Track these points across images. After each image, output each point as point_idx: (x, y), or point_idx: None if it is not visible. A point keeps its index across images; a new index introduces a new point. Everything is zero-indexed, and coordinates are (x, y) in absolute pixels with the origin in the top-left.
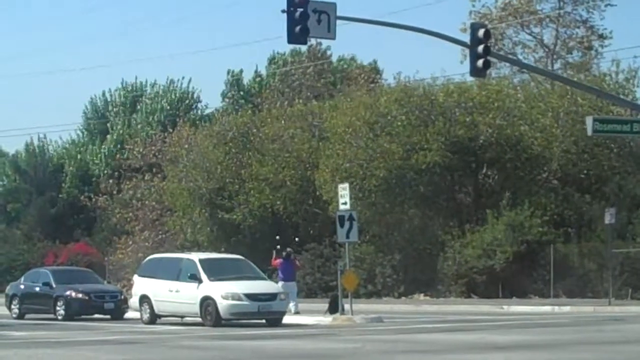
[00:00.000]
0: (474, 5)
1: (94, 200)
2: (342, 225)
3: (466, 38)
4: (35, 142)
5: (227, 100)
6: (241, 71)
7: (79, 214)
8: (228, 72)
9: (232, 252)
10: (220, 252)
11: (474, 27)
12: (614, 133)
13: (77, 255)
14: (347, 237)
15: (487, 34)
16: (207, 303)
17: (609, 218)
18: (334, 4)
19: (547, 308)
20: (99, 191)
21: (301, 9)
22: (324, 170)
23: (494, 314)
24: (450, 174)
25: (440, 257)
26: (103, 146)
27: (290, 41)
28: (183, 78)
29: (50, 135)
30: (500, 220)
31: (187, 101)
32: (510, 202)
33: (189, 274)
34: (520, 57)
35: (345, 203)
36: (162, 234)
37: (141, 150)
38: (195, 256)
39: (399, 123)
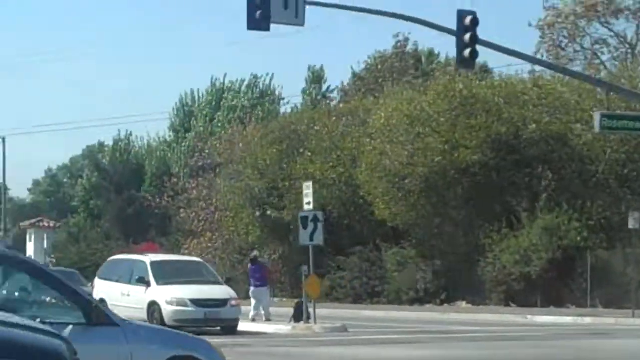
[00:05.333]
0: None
1: (159, 200)
2: (305, 227)
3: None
4: (122, 136)
5: (307, 97)
6: (322, 67)
7: (155, 214)
8: (309, 69)
9: (283, 253)
10: (272, 253)
11: (461, 14)
12: (624, 130)
13: None
14: (311, 239)
15: (475, 22)
16: (153, 309)
17: (632, 223)
18: None
19: (569, 319)
20: (177, 190)
21: None
22: (366, 168)
23: (506, 324)
24: (495, 173)
25: (481, 263)
26: (183, 144)
27: (250, 27)
28: (267, 75)
29: (136, 128)
30: (535, 223)
31: (267, 97)
32: (548, 204)
33: (137, 277)
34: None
35: (309, 203)
36: (227, 235)
37: (218, 147)
38: (148, 258)
39: (442, 119)
